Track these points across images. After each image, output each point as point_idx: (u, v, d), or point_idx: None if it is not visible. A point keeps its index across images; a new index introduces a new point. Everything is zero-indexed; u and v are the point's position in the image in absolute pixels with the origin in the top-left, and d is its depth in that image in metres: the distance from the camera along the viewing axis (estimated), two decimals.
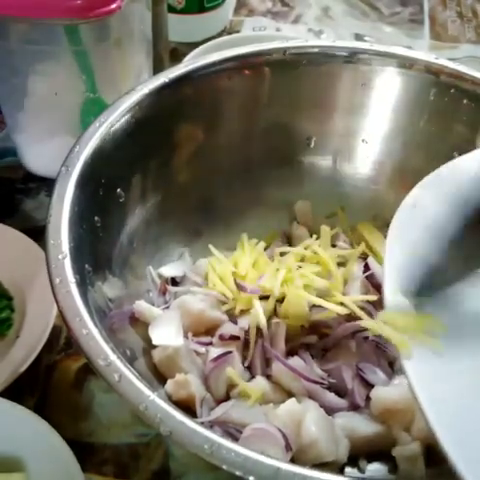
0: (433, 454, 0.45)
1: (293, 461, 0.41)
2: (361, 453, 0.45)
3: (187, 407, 0.45)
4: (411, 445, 0.44)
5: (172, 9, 0.90)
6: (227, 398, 0.46)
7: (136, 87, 0.51)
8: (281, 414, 0.43)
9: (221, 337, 0.49)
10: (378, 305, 0.51)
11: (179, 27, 0.90)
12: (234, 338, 0.49)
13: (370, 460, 0.45)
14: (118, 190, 0.50)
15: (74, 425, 0.52)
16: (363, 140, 0.61)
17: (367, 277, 0.52)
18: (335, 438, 0.44)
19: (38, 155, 0.71)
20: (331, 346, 0.50)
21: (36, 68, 0.61)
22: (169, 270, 0.55)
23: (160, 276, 0.55)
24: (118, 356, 0.36)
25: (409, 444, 0.44)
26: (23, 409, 0.46)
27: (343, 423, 0.45)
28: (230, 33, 0.99)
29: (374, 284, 0.52)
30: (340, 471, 0.44)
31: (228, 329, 0.50)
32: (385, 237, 0.57)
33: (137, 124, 0.51)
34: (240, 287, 0.51)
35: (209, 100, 0.56)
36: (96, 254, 0.46)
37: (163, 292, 0.54)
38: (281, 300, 0.51)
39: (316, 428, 0.42)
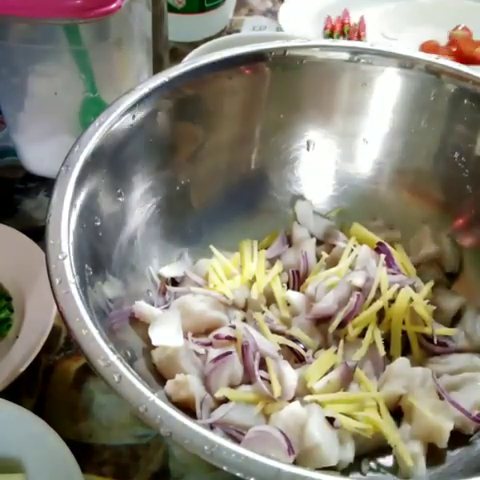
0: (434, 454, 0.45)
1: (296, 465, 0.41)
2: (367, 450, 0.45)
3: (187, 408, 0.45)
4: (412, 445, 0.44)
5: (172, 9, 0.90)
6: (227, 399, 0.46)
7: (136, 87, 0.51)
8: (284, 417, 0.43)
9: (217, 337, 0.49)
10: None
11: (179, 27, 0.90)
12: (230, 338, 0.49)
13: (373, 458, 0.46)
14: (118, 190, 0.50)
15: (73, 426, 0.52)
16: (364, 140, 0.60)
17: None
18: (339, 441, 0.44)
19: (38, 155, 0.71)
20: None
21: (36, 68, 0.61)
22: (169, 270, 0.55)
23: (160, 276, 0.55)
24: (118, 357, 0.36)
25: (410, 443, 0.44)
26: (23, 410, 0.46)
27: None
28: (230, 33, 0.99)
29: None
30: (345, 471, 0.44)
31: (224, 329, 0.50)
32: (383, 239, 0.57)
33: (137, 124, 0.51)
34: None
35: (209, 100, 0.56)
36: (96, 254, 0.46)
37: (163, 292, 0.54)
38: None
39: (319, 433, 0.42)
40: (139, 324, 0.49)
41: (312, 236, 0.60)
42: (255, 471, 0.31)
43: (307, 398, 0.45)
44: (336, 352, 0.49)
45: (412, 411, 0.46)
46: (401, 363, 0.48)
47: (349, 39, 0.94)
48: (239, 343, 0.48)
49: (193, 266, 0.57)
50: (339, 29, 0.97)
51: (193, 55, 0.75)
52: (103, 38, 0.60)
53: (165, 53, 0.78)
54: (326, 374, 0.47)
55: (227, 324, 0.51)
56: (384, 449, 0.45)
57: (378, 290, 0.51)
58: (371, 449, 0.46)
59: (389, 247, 0.56)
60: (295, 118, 0.60)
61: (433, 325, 0.51)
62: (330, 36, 0.96)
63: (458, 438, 0.45)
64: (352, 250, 0.56)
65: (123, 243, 0.51)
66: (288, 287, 0.56)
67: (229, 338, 0.49)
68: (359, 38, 0.95)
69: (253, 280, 0.55)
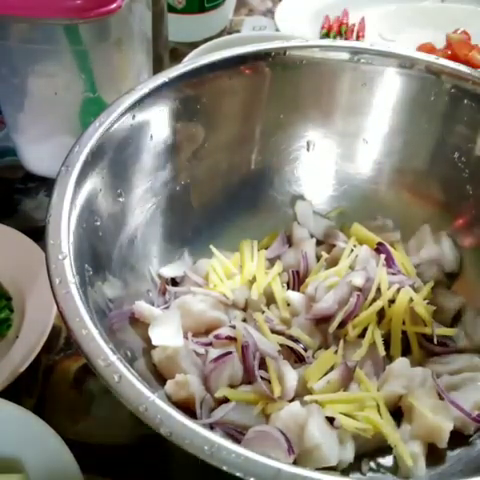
0: (434, 454, 0.45)
1: (296, 465, 0.41)
2: (367, 450, 0.45)
3: (187, 408, 0.45)
4: (412, 445, 0.44)
5: (172, 9, 0.90)
6: (227, 399, 0.46)
7: (136, 87, 0.51)
8: (284, 417, 0.43)
9: (217, 337, 0.49)
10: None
11: (179, 27, 0.90)
12: (230, 338, 0.49)
13: (373, 458, 0.46)
14: (118, 190, 0.50)
15: (73, 425, 0.52)
16: (364, 140, 0.60)
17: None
18: (339, 441, 0.44)
19: (38, 155, 0.71)
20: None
21: (36, 68, 0.61)
22: (169, 270, 0.55)
23: (160, 276, 0.55)
24: (118, 357, 0.36)
25: (410, 443, 0.44)
26: (22, 409, 0.46)
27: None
28: (230, 33, 0.99)
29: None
30: (345, 471, 0.44)
31: (224, 329, 0.50)
32: (383, 239, 0.57)
33: (137, 124, 0.51)
34: None
35: (209, 100, 0.56)
36: (96, 254, 0.46)
37: (163, 292, 0.54)
38: None
39: (319, 433, 0.42)
40: (139, 324, 0.49)
41: (312, 236, 0.60)
42: (255, 471, 0.31)
43: (307, 398, 0.45)
44: (336, 352, 0.49)
45: (412, 411, 0.46)
46: (401, 363, 0.48)
47: (346, 39, 0.94)
48: (239, 343, 0.48)
49: (193, 266, 0.57)
50: (336, 29, 0.97)
51: (193, 55, 0.75)
52: (103, 38, 0.60)
53: (165, 53, 0.78)
54: (326, 374, 0.47)
55: (227, 324, 0.51)
56: (384, 449, 0.45)
57: (378, 290, 0.51)
58: (371, 449, 0.46)
59: (389, 247, 0.56)
60: (295, 118, 0.60)
61: (433, 325, 0.51)
62: (327, 36, 0.96)
63: (458, 438, 0.45)
64: (352, 250, 0.56)
65: (123, 243, 0.51)
66: (288, 287, 0.56)
67: (229, 338, 0.49)
68: (358, 38, 0.95)
69: (253, 280, 0.55)
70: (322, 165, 0.62)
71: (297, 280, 0.56)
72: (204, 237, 0.58)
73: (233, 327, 0.50)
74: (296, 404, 0.44)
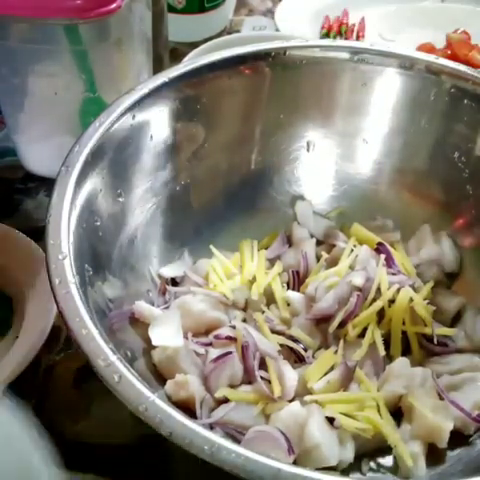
0: (434, 454, 0.45)
1: (296, 465, 0.41)
2: (367, 450, 0.45)
3: (187, 408, 0.45)
4: (412, 445, 0.44)
5: (172, 9, 0.90)
6: (227, 399, 0.46)
7: (136, 87, 0.51)
8: (284, 417, 0.43)
9: (217, 337, 0.49)
10: None
11: (179, 27, 0.90)
12: (230, 338, 0.49)
13: (373, 458, 0.46)
14: (118, 190, 0.50)
15: (73, 425, 0.52)
16: (364, 140, 0.61)
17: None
18: (339, 441, 0.44)
19: (38, 155, 0.71)
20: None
21: (36, 68, 0.61)
22: (169, 270, 0.55)
23: (160, 276, 0.55)
24: (118, 357, 0.36)
25: (410, 443, 0.44)
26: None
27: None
28: (230, 33, 0.99)
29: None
30: (345, 471, 0.44)
31: (224, 329, 0.50)
32: (383, 239, 0.57)
33: (137, 124, 0.51)
34: None
35: (209, 100, 0.56)
36: (96, 254, 0.46)
37: (163, 292, 0.54)
38: None
39: (319, 433, 0.42)
40: (139, 324, 0.49)
41: (312, 236, 0.60)
42: (255, 471, 0.31)
43: (307, 398, 0.45)
44: (336, 352, 0.49)
45: (412, 411, 0.46)
46: (401, 363, 0.48)
47: (346, 39, 0.94)
48: (239, 343, 0.48)
49: (193, 266, 0.57)
50: (336, 29, 0.97)
51: (193, 55, 0.75)
52: (103, 38, 0.60)
53: (165, 53, 0.78)
54: (326, 374, 0.47)
55: (227, 324, 0.51)
56: (384, 449, 0.45)
57: (378, 290, 0.51)
58: (371, 449, 0.46)
59: (389, 247, 0.56)
60: (295, 118, 0.60)
61: (433, 325, 0.51)
62: (327, 36, 0.96)
63: (458, 438, 0.45)
64: (352, 250, 0.56)
65: (123, 243, 0.51)
66: (288, 287, 0.56)
67: (229, 338, 0.49)
68: (358, 38, 0.95)
69: (253, 280, 0.55)
70: (322, 165, 0.62)
71: (297, 280, 0.56)
72: (204, 237, 0.58)
73: (233, 327, 0.50)
74: (296, 404, 0.44)
